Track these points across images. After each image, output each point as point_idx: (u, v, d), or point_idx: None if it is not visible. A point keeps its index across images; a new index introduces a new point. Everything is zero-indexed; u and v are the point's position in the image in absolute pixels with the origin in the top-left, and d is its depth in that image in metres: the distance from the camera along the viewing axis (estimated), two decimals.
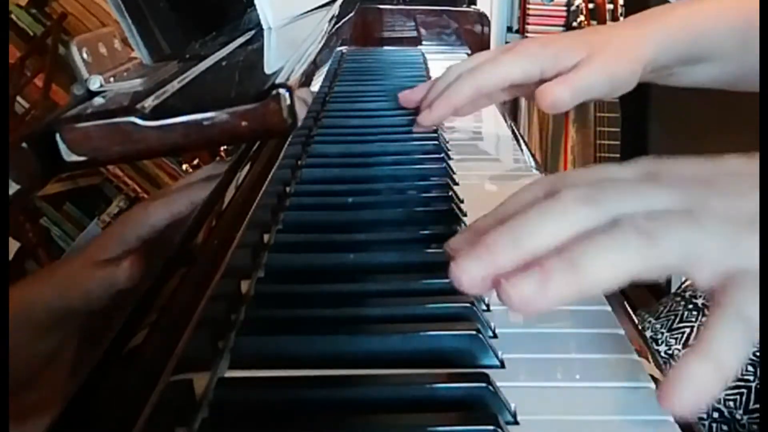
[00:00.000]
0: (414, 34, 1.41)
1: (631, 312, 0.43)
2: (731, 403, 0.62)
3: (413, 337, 0.37)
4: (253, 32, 0.60)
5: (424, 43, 1.38)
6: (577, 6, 2.47)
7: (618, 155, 1.49)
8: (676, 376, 0.31)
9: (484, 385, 0.34)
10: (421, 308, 0.40)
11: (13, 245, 0.25)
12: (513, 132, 0.78)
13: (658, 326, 0.70)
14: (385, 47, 1.38)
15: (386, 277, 0.44)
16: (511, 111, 2.34)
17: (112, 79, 0.34)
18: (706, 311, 0.67)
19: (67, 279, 0.27)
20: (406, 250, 0.48)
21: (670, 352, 0.68)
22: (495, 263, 0.33)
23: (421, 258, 0.47)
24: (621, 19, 2.13)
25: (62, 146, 0.29)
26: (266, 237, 0.50)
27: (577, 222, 0.33)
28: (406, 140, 0.69)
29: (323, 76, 0.59)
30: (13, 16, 0.31)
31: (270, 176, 0.49)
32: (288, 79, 0.35)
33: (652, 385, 0.36)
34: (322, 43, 0.57)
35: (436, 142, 0.69)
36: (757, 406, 0.61)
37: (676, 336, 0.71)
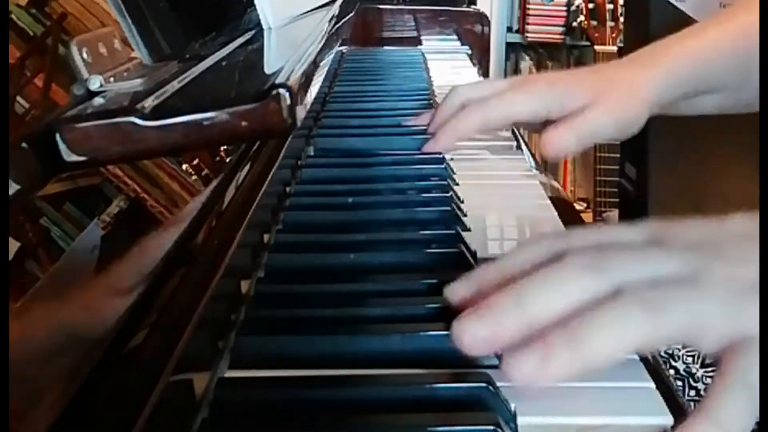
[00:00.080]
0: (414, 34, 1.41)
1: None
2: None
3: (413, 337, 0.37)
4: (253, 32, 0.60)
5: (424, 43, 1.38)
6: (577, 6, 2.47)
7: (618, 155, 1.49)
8: None
9: (484, 385, 0.33)
10: (421, 308, 0.40)
11: (13, 245, 0.25)
12: (513, 132, 0.78)
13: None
14: (385, 47, 1.38)
15: (386, 277, 0.44)
16: None
17: (112, 79, 0.34)
18: None
19: (67, 281, 0.27)
20: (406, 250, 0.48)
21: (689, 370, 0.67)
22: (498, 326, 0.33)
23: (421, 258, 0.47)
24: (621, 19, 2.13)
25: (62, 146, 0.29)
26: (266, 237, 0.50)
27: (581, 290, 0.33)
28: (406, 140, 0.69)
29: (323, 76, 0.59)
30: (13, 16, 0.31)
31: (270, 176, 0.49)
32: (288, 79, 0.35)
33: (652, 386, 0.36)
34: (322, 43, 0.57)
35: None
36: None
37: (692, 353, 0.71)
